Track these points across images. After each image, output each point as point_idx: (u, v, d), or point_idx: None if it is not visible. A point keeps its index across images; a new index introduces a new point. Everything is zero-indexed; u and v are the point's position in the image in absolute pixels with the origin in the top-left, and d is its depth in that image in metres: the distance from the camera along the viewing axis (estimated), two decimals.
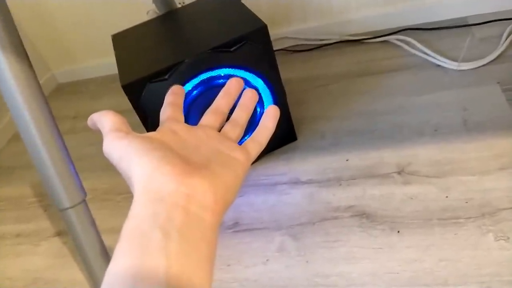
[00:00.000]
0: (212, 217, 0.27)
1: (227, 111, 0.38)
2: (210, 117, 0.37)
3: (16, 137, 1.34)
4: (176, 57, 0.76)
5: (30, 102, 0.61)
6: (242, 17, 0.83)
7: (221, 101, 0.38)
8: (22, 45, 0.61)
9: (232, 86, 0.39)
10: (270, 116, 0.37)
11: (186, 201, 0.26)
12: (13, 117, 0.62)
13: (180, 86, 0.39)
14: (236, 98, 0.39)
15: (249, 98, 0.38)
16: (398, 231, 0.71)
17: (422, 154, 0.81)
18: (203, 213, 0.27)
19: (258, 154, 0.36)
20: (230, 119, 0.38)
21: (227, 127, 0.37)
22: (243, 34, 0.76)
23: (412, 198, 0.75)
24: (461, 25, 1.11)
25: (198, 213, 0.26)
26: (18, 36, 0.61)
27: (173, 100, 0.37)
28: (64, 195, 0.64)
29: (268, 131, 0.37)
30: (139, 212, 0.26)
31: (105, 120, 0.33)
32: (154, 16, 1.14)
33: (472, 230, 0.67)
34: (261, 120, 0.37)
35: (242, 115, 0.38)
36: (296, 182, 0.86)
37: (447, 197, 0.73)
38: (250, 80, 0.82)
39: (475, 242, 0.66)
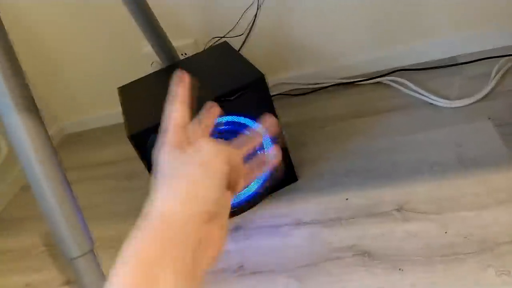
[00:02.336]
0: (207, 267, 0.30)
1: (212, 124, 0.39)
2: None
3: (25, 188, 1.37)
4: None
5: (41, 155, 0.64)
6: (241, 67, 0.88)
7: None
8: (33, 100, 0.65)
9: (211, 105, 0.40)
10: (274, 156, 0.39)
11: (198, 242, 0.28)
12: (24, 169, 0.65)
13: (186, 74, 0.39)
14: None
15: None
16: (401, 269, 0.72)
17: (420, 191, 0.83)
18: (204, 258, 0.29)
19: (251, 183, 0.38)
20: (236, 143, 0.38)
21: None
22: (243, 84, 0.81)
23: (412, 236, 0.76)
24: (451, 64, 1.16)
25: (202, 262, 0.28)
26: (29, 91, 0.65)
27: (182, 96, 0.37)
28: (73, 245, 0.66)
29: (261, 170, 0.38)
30: (150, 246, 0.27)
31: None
32: (158, 67, 1.19)
33: (473, 266, 0.68)
34: (266, 156, 0.39)
35: (248, 144, 0.38)
36: (298, 223, 0.87)
37: (446, 233, 0.74)
38: (250, 126, 0.86)
39: (477, 278, 0.66)
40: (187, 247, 0.27)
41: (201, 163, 0.30)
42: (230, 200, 0.33)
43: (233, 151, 0.32)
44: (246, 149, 0.37)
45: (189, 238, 0.27)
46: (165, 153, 0.32)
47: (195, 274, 0.27)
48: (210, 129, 0.39)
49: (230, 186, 0.33)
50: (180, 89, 0.37)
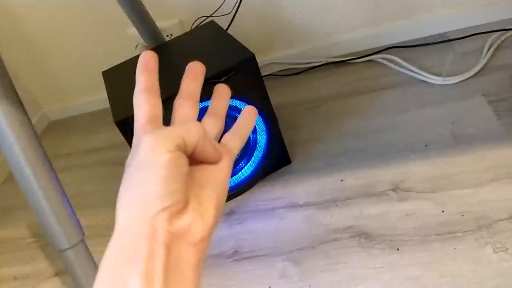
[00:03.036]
0: (196, 255, 0.27)
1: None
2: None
3: (10, 178, 1.34)
4: (167, 91, 0.77)
5: (23, 144, 0.61)
6: (230, 47, 0.85)
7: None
8: (13, 87, 0.62)
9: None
10: (247, 113, 0.37)
11: (170, 240, 0.26)
12: (7, 160, 0.62)
13: (152, 52, 0.34)
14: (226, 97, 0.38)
15: (224, 88, 0.37)
16: (398, 249, 0.71)
17: (415, 170, 0.83)
18: (187, 252, 0.26)
19: (239, 150, 0.35)
20: (209, 110, 0.36)
21: (206, 120, 0.35)
22: (232, 64, 0.78)
23: (408, 215, 0.76)
24: (443, 41, 1.14)
25: (181, 254, 0.26)
26: (9, 78, 0.61)
27: (147, 83, 0.33)
28: (62, 236, 0.64)
29: (247, 125, 0.36)
30: (120, 249, 0.25)
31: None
32: (143, 50, 1.15)
33: (471, 244, 0.68)
34: (240, 115, 0.36)
35: (221, 105, 0.36)
36: (293, 206, 0.86)
37: (443, 211, 0.74)
38: (241, 108, 0.84)
39: (474, 255, 0.66)
40: (153, 248, 0.25)
41: (138, 164, 0.27)
42: (209, 174, 0.30)
43: (184, 131, 0.28)
44: (213, 119, 0.35)
45: (150, 240, 0.25)
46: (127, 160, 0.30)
47: (179, 263, 0.26)
48: (223, 114, 0.36)
49: (206, 160, 0.30)
50: (143, 76, 0.33)
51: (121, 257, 0.25)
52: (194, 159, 0.30)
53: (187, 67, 0.36)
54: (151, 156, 0.27)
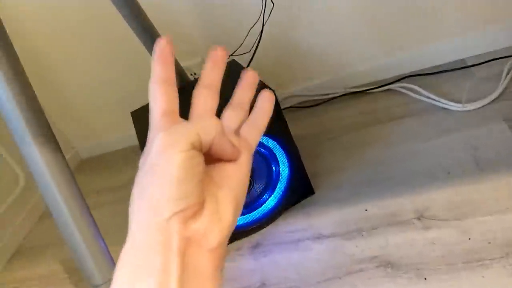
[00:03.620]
0: (213, 262, 0.26)
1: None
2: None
3: (45, 215, 1.39)
4: None
5: (59, 182, 0.65)
6: None
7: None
8: (49, 126, 0.66)
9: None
10: (266, 99, 0.34)
11: (184, 247, 0.24)
12: (43, 196, 0.66)
13: (167, 39, 0.32)
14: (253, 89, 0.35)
15: (251, 77, 0.35)
16: (425, 278, 0.71)
17: (439, 197, 0.83)
18: (203, 259, 0.25)
19: (258, 142, 0.33)
20: (232, 99, 0.34)
21: (227, 112, 0.33)
22: (253, 101, 0.81)
23: (434, 243, 0.75)
24: (461, 67, 1.15)
25: (198, 261, 0.25)
26: (45, 117, 0.66)
27: (163, 73, 0.30)
28: (96, 272, 0.67)
29: (266, 114, 0.34)
30: (133, 259, 0.24)
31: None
32: None
33: (498, 271, 0.67)
34: (256, 104, 0.34)
35: (246, 95, 0.34)
36: (318, 237, 0.87)
37: (469, 239, 0.73)
38: (264, 142, 0.86)
39: (503, 283, 0.65)
40: (167, 257, 0.24)
41: (151, 163, 0.26)
42: (228, 172, 0.29)
43: (200, 127, 0.26)
44: (236, 110, 0.33)
45: (164, 248, 0.24)
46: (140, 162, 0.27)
47: (195, 273, 0.25)
48: (246, 106, 0.33)
49: (224, 158, 0.29)
50: (159, 66, 0.31)
51: (134, 269, 0.24)
52: (211, 156, 0.28)
53: (208, 53, 0.34)
54: (164, 156, 0.25)
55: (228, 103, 0.33)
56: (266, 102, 0.34)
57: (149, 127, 0.29)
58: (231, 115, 0.32)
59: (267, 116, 0.34)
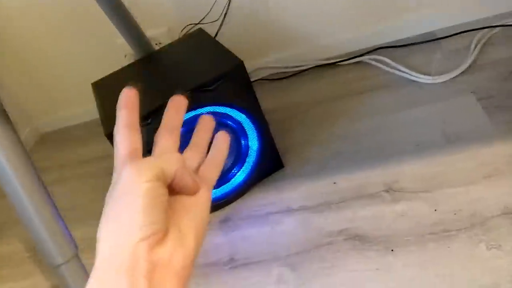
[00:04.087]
0: (179, 284, 0.27)
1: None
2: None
3: (2, 193, 1.32)
4: (156, 100, 0.77)
5: (12, 160, 0.61)
6: (218, 55, 0.85)
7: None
8: (1, 104, 0.62)
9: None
10: (222, 140, 0.37)
11: (151, 272, 0.26)
12: None
13: (133, 89, 0.34)
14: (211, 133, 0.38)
15: (208, 121, 0.38)
16: (392, 250, 0.71)
17: (408, 170, 0.83)
18: (169, 282, 0.27)
19: (216, 179, 0.35)
20: (191, 143, 0.37)
21: (186, 153, 0.35)
22: (221, 72, 0.78)
23: (402, 216, 0.76)
24: (430, 40, 1.15)
25: (164, 284, 0.26)
26: None
27: (128, 120, 0.32)
28: (55, 252, 0.64)
29: (222, 154, 0.37)
30: (102, 281, 0.25)
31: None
32: (132, 59, 1.15)
33: (464, 242, 0.68)
34: (213, 145, 0.37)
35: (203, 138, 0.37)
36: (288, 210, 0.86)
37: (435, 210, 0.74)
38: (232, 115, 0.84)
39: (468, 253, 0.66)
40: (135, 280, 0.25)
41: (118, 194, 0.28)
42: (188, 204, 0.31)
43: (163, 161, 0.29)
44: (194, 152, 0.36)
45: (132, 271, 0.25)
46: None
47: None
48: (204, 148, 0.36)
49: (185, 191, 0.31)
50: (124, 112, 0.32)
51: None
52: (173, 190, 0.30)
53: (169, 100, 0.36)
54: (131, 186, 0.27)
55: (188, 146, 0.36)
56: (222, 143, 0.38)
57: (114, 168, 0.31)
58: (191, 155, 0.35)
59: (224, 155, 0.37)
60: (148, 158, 0.30)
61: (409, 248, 0.71)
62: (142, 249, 0.26)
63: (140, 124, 0.33)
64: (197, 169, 0.35)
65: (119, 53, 1.24)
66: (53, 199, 0.66)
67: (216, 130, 0.38)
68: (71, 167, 1.32)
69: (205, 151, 0.36)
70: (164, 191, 0.28)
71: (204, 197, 0.32)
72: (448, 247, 0.68)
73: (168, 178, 0.29)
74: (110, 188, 0.30)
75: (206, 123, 0.38)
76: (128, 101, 0.33)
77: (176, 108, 0.36)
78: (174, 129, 0.35)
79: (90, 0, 0.86)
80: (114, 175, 0.31)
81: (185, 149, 0.36)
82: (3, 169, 0.60)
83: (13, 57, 1.36)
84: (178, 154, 0.31)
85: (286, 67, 1.27)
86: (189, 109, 0.80)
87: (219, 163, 0.36)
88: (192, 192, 0.32)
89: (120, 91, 0.33)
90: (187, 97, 0.37)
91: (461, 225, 0.71)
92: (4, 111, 0.62)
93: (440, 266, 0.66)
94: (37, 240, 0.63)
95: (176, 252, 0.27)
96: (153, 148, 0.34)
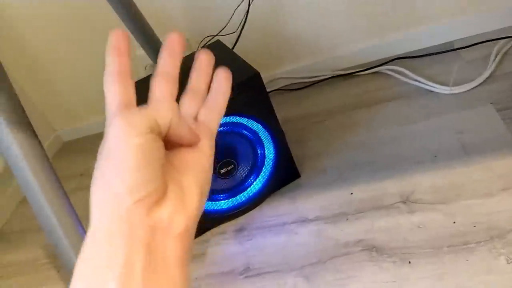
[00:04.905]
0: (181, 248, 0.24)
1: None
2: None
3: (25, 200, 1.36)
4: None
5: (35, 169, 0.63)
6: (235, 66, 0.86)
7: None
8: (24, 112, 0.64)
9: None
10: (222, 79, 0.33)
11: (150, 236, 0.23)
12: (19, 184, 0.63)
13: (123, 31, 0.29)
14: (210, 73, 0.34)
15: (205, 59, 0.33)
16: (410, 262, 0.71)
17: (425, 181, 0.82)
18: (170, 246, 0.24)
19: (219, 125, 0.32)
20: (187, 85, 0.33)
21: (183, 100, 0.32)
22: (238, 82, 0.79)
23: (419, 227, 0.75)
24: (449, 50, 1.14)
25: (164, 248, 0.24)
26: (19, 103, 0.63)
27: (118, 66, 0.28)
28: (75, 257, 0.65)
29: (224, 95, 0.33)
30: (95, 253, 0.23)
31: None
32: (152, 70, 1.18)
33: (483, 255, 0.67)
34: (213, 85, 0.33)
35: (201, 79, 0.32)
36: (303, 221, 0.86)
37: (454, 222, 0.73)
38: (249, 125, 0.84)
39: (487, 266, 0.65)
40: (131, 249, 0.22)
41: (108, 152, 0.24)
42: (188, 157, 0.28)
43: (156, 110, 0.26)
44: (191, 96, 0.31)
45: (127, 239, 0.23)
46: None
47: (163, 261, 0.24)
48: (202, 90, 0.32)
49: (183, 143, 0.28)
50: (113, 58, 0.28)
51: (97, 263, 0.22)
52: (169, 143, 0.27)
53: (165, 39, 0.32)
54: (121, 142, 0.24)
55: (184, 90, 0.32)
56: (222, 81, 0.33)
57: (106, 119, 0.27)
58: (188, 102, 0.31)
59: (225, 97, 0.32)
60: (139, 108, 0.26)
61: (426, 260, 0.70)
62: (138, 212, 0.23)
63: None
64: (196, 117, 0.31)
65: (139, 64, 1.27)
66: (73, 207, 0.68)
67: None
68: (91, 176, 1.34)
69: (205, 95, 0.32)
70: (160, 144, 0.25)
71: (206, 147, 0.29)
72: (467, 259, 0.67)
73: (163, 129, 0.26)
74: (102, 142, 0.26)
75: (203, 62, 0.33)
76: (117, 45, 0.29)
77: (171, 50, 0.31)
78: (169, 74, 0.31)
79: (112, 12, 0.89)
80: (106, 128, 0.27)
81: (182, 95, 0.32)
82: (27, 177, 0.62)
83: (34, 66, 1.40)
84: (172, 102, 0.28)
85: (303, 78, 1.27)
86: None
87: (220, 107, 0.32)
88: (192, 143, 0.28)
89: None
90: (183, 35, 0.32)
91: (480, 237, 0.69)
92: (28, 121, 0.64)
93: (458, 279, 0.65)
94: (57, 247, 0.65)
95: (177, 213, 0.25)
96: (148, 97, 0.30)
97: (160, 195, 0.24)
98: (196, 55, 0.33)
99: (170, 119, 0.26)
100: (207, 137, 0.29)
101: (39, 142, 0.64)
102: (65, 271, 1.01)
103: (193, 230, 0.26)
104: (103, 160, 0.25)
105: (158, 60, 0.31)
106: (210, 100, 0.32)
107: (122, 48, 0.29)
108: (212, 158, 0.29)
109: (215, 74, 0.33)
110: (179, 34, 0.31)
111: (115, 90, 0.27)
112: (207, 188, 0.28)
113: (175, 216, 0.24)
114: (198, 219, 0.26)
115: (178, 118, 0.26)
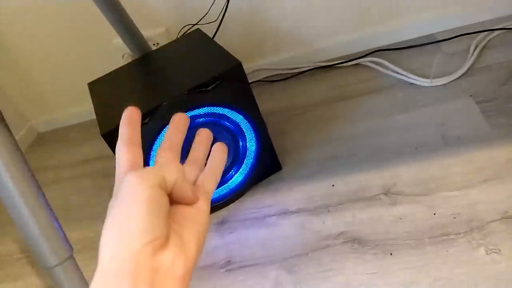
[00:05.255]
0: None
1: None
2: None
3: None
4: (154, 101, 0.77)
5: (6, 160, 0.60)
6: (216, 55, 0.85)
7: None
8: None
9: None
10: (219, 151, 0.38)
11: (153, 277, 0.26)
12: None
13: (136, 109, 0.35)
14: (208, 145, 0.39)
15: (206, 136, 0.39)
16: (391, 254, 0.71)
17: (406, 173, 0.82)
18: (172, 286, 0.27)
19: (215, 189, 0.36)
20: (188, 158, 0.37)
21: (185, 168, 0.36)
22: (219, 73, 0.77)
23: (401, 219, 0.75)
24: (430, 42, 1.14)
25: (169, 283, 0.27)
26: None
27: (130, 136, 0.34)
28: (49, 253, 0.63)
29: (220, 165, 0.38)
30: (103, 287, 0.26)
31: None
32: (130, 59, 1.15)
33: (463, 246, 0.68)
34: (211, 155, 0.38)
35: (200, 155, 0.38)
36: (285, 213, 0.85)
37: (434, 214, 0.74)
38: (230, 116, 0.83)
39: (467, 258, 0.66)
40: (137, 286, 0.25)
41: (121, 200, 0.28)
42: (187, 214, 0.31)
43: (164, 169, 0.30)
44: (192, 167, 0.36)
45: (133, 277, 0.25)
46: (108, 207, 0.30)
47: None
48: (202, 164, 0.37)
49: (183, 201, 0.32)
50: (125, 129, 0.34)
51: None
52: (173, 200, 0.31)
53: (172, 118, 0.37)
54: (134, 191, 0.28)
55: (186, 161, 0.37)
56: (219, 153, 0.38)
57: (116, 180, 0.32)
58: (189, 169, 0.36)
59: (221, 166, 0.38)
60: (149, 167, 0.30)
61: (407, 252, 0.70)
62: (145, 254, 0.26)
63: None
64: (195, 182, 0.36)
65: (117, 53, 1.23)
66: (49, 200, 0.65)
67: (213, 136, 0.39)
68: (66, 167, 1.31)
69: (203, 165, 0.37)
70: (166, 199, 0.29)
71: (203, 208, 0.33)
72: (447, 251, 0.68)
73: (168, 186, 0.30)
74: (112, 198, 0.30)
75: (203, 137, 0.39)
76: (130, 119, 0.34)
77: (177, 127, 0.37)
78: (174, 148, 0.36)
79: (90, 1, 0.85)
80: (115, 188, 0.31)
81: (184, 164, 0.36)
82: None
83: (8, 57, 1.35)
84: (178, 164, 0.32)
85: (284, 69, 1.26)
86: (186, 110, 0.79)
87: (217, 174, 0.37)
88: (191, 202, 0.32)
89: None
90: (187, 116, 0.38)
91: (460, 229, 0.70)
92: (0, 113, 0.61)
93: (438, 270, 0.66)
94: (31, 242, 0.62)
95: (178, 258, 0.28)
96: (154, 164, 0.35)
97: (164, 241, 0.27)
98: (198, 132, 0.39)
99: (176, 177, 0.30)
100: (204, 198, 0.33)
101: (11, 133, 0.61)
102: (39, 266, 0.98)
103: (190, 276, 0.29)
104: (115, 208, 0.28)
105: (165, 134, 0.37)
106: (208, 169, 0.37)
107: (134, 122, 0.34)
108: (208, 214, 0.33)
109: (214, 147, 0.38)
110: (184, 115, 0.38)
111: (127, 156, 0.32)
112: (203, 239, 0.32)
113: (176, 261, 0.27)
114: (195, 265, 0.29)
115: (182, 178, 0.30)
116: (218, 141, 0.38)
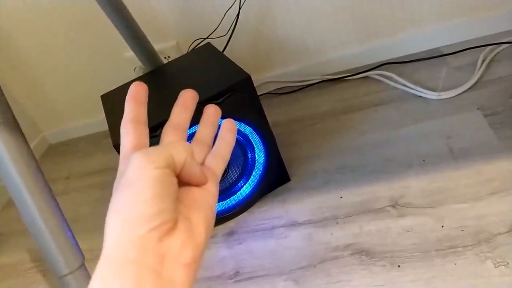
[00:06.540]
0: (188, 276, 0.26)
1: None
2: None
3: (10, 203, 1.33)
4: (165, 113, 0.78)
5: (23, 171, 0.61)
6: (226, 69, 0.86)
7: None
8: (12, 114, 0.62)
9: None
10: (228, 130, 0.36)
11: (159, 263, 0.25)
12: (6, 185, 0.62)
13: (142, 83, 0.33)
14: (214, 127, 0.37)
15: (213, 114, 0.37)
16: (399, 266, 0.71)
17: (414, 185, 0.83)
18: (178, 273, 0.25)
19: (223, 171, 0.34)
20: (195, 136, 0.35)
21: (193, 147, 0.34)
22: (229, 85, 0.79)
23: (408, 231, 0.76)
24: (436, 56, 1.15)
25: (173, 276, 0.25)
26: (7, 105, 0.62)
27: (136, 113, 0.32)
28: (62, 262, 0.64)
29: (229, 145, 0.35)
30: (105, 277, 0.24)
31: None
32: (141, 72, 1.17)
33: (471, 258, 0.68)
34: (219, 135, 0.36)
35: (208, 132, 0.36)
36: (293, 224, 0.86)
37: (442, 226, 0.74)
38: (239, 128, 0.84)
39: (475, 270, 0.66)
40: (141, 274, 0.24)
41: (127, 183, 0.26)
42: (196, 196, 0.30)
43: (173, 148, 0.28)
44: (199, 146, 0.34)
45: (138, 264, 0.24)
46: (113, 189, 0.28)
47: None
48: (209, 142, 0.35)
49: (191, 182, 0.30)
50: (131, 106, 0.32)
51: (108, 284, 0.24)
52: (181, 181, 0.29)
53: (179, 95, 0.36)
54: (140, 173, 0.26)
55: (193, 139, 0.35)
56: (227, 133, 0.36)
57: (120, 159, 0.30)
58: (196, 150, 0.34)
59: (230, 146, 0.36)
60: (157, 147, 0.28)
61: (415, 264, 0.70)
62: (151, 240, 0.25)
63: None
64: (202, 163, 0.34)
65: (129, 67, 1.26)
66: (61, 210, 0.67)
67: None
68: (77, 178, 1.33)
69: (210, 145, 0.35)
70: (174, 180, 0.27)
71: (211, 188, 0.31)
72: (455, 263, 0.68)
73: (177, 166, 0.28)
74: (116, 180, 0.28)
75: (211, 116, 0.36)
76: (136, 95, 0.32)
77: (185, 104, 0.35)
78: (181, 127, 0.34)
79: (101, 14, 0.88)
80: (120, 167, 0.29)
81: (191, 144, 0.34)
82: (14, 179, 0.61)
83: (22, 69, 1.38)
84: (186, 143, 0.29)
85: (293, 82, 1.28)
86: (197, 122, 0.80)
87: (225, 155, 0.35)
88: (200, 183, 0.30)
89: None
90: (199, 88, 0.36)
91: (467, 241, 0.70)
92: (16, 121, 0.63)
93: (446, 282, 0.66)
94: (44, 250, 0.64)
95: (186, 244, 0.26)
96: (160, 143, 0.33)
97: (172, 226, 0.26)
98: (204, 109, 0.37)
99: (185, 157, 0.28)
100: (213, 180, 0.32)
101: (27, 143, 0.63)
102: (50, 274, 0.99)
103: (199, 262, 0.27)
104: (120, 190, 0.26)
105: (172, 112, 0.34)
106: (216, 149, 0.35)
107: (140, 99, 0.32)
108: (217, 198, 0.32)
109: (222, 124, 0.36)
110: (192, 91, 0.36)
111: (132, 135, 0.31)
112: (212, 223, 0.30)
113: (184, 246, 0.26)
114: (204, 252, 0.28)
115: (191, 158, 0.28)
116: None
